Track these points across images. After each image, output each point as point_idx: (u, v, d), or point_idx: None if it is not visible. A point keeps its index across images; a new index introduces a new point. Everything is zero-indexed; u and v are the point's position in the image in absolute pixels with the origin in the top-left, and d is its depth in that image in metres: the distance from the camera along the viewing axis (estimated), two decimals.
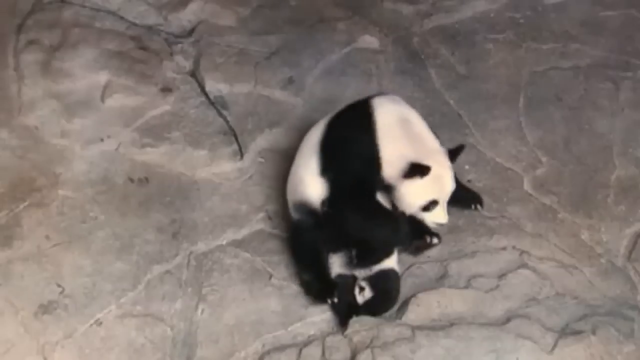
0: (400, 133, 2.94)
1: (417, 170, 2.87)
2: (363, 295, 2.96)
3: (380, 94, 3.18)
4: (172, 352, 2.83)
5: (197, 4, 3.93)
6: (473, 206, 3.23)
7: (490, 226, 3.25)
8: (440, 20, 4.08)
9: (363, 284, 2.97)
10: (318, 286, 2.96)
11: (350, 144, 2.96)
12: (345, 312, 2.92)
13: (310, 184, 2.99)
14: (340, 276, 2.99)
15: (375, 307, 2.95)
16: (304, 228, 3.01)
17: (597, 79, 3.84)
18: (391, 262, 3.00)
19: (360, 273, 2.98)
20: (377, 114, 2.96)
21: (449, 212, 3.03)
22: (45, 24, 3.72)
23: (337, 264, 3.01)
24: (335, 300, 2.90)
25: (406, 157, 2.88)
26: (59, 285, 2.93)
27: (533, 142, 3.57)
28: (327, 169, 2.97)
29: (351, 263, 2.98)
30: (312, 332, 2.91)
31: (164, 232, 3.13)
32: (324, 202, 2.97)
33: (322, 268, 2.99)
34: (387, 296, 2.98)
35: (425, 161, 2.87)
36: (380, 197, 2.98)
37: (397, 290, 2.99)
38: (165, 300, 2.95)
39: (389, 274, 2.99)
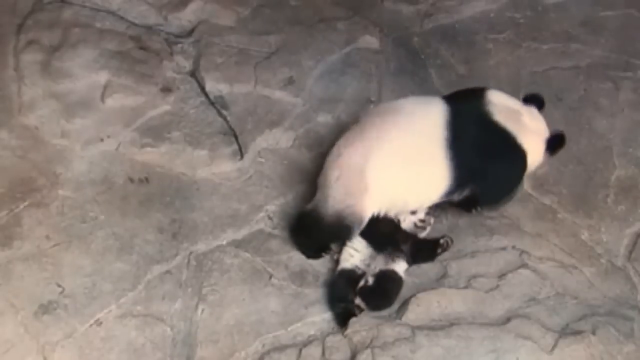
0: (519, 121, 3.08)
1: (562, 142, 3.18)
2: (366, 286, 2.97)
3: (479, 91, 3.17)
4: (172, 352, 2.83)
5: (197, 4, 3.93)
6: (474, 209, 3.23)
7: (490, 226, 3.25)
8: (440, 20, 4.09)
9: (371, 279, 2.97)
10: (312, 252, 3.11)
11: (501, 158, 3.06)
12: (345, 313, 2.93)
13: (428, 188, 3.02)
14: (352, 270, 3.00)
15: (371, 299, 2.96)
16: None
17: (597, 79, 3.85)
18: (401, 268, 3.02)
19: (372, 269, 2.99)
20: (500, 118, 3.05)
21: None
22: (45, 24, 3.71)
23: (357, 257, 3.02)
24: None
25: (536, 140, 3.12)
26: (59, 285, 2.93)
27: None
28: (465, 183, 3.04)
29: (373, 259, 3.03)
30: (312, 332, 2.92)
31: (164, 232, 3.13)
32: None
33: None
34: (385, 294, 2.98)
35: (542, 131, 3.14)
36: None
37: (396, 294, 3.00)
38: (165, 300, 2.95)
39: (395, 277, 3.00)
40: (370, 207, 2.95)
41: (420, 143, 2.97)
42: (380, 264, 3.01)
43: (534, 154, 3.12)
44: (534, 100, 3.21)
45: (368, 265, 3.01)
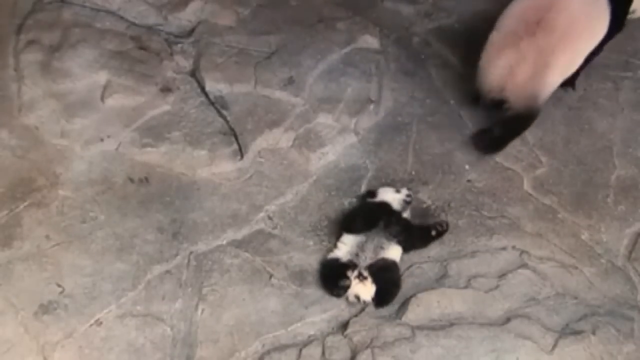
0: None
1: None
2: (364, 284, 2.97)
3: None
4: (172, 352, 2.83)
5: (197, 4, 3.93)
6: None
7: (490, 226, 3.25)
8: (440, 20, 4.09)
9: (365, 273, 2.97)
10: None
11: None
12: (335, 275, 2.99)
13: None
14: (335, 259, 3.04)
15: (381, 297, 2.98)
16: None
17: (597, 79, 3.85)
18: (396, 254, 3.04)
19: (364, 260, 3.00)
20: None
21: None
22: (45, 24, 3.71)
23: (344, 250, 3.05)
24: None
25: None
26: (59, 285, 2.93)
27: (533, 142, 3.57)
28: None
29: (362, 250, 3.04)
30: (312, 332, 2.92)
31: (164, 232, 3.14)
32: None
33: None
34: (390, 284, 3.01)
35: None
36: None
37: (398, 279, 3.03)
38: (165, 300, 2.95)
39: (389, 265, 3.02)
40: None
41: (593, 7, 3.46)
42: (369, 252, 3.03)
43: None
44: None
45: (357, 256, 3.02)
